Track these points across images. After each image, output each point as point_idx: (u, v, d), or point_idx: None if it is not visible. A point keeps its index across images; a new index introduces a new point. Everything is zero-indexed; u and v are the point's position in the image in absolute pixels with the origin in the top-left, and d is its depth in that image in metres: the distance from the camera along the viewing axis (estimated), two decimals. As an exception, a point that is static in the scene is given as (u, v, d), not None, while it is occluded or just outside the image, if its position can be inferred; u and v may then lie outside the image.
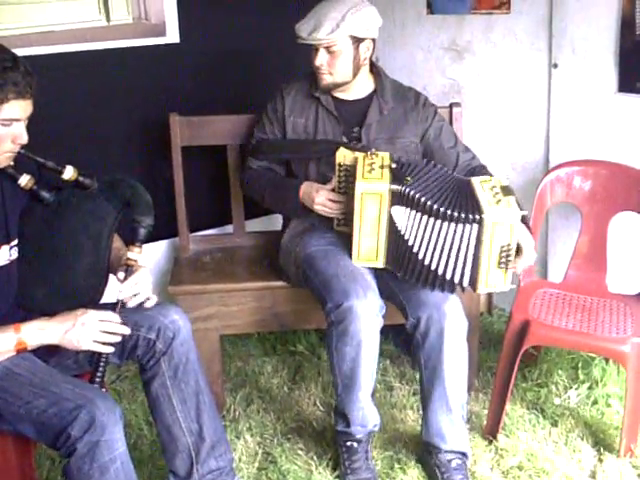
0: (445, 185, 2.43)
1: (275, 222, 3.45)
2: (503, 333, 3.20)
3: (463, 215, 2.31)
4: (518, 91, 3.25)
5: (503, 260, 2.34)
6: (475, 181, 2.42)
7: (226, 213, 3.21)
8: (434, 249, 2.37)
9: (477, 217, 2.29)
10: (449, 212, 2.32)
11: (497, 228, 2.30)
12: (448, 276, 2.38)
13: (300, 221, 2.72)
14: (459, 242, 2.34)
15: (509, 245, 2.33)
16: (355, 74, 2.61)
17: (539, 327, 2.56)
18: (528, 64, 3.18)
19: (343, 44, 2.53)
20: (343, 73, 2.59)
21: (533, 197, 2.83)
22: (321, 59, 2.56)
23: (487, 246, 2.32)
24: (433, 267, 2.39)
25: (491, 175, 2.52)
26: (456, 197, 2.36)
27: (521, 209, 2.33)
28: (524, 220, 2.41)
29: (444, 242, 2.35)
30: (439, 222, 2.34)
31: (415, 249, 2.39)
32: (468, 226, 2.31)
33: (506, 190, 2.36)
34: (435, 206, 2.32)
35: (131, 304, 2.09)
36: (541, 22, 3.10)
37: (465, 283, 2.39)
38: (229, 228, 3.29)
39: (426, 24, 3.53)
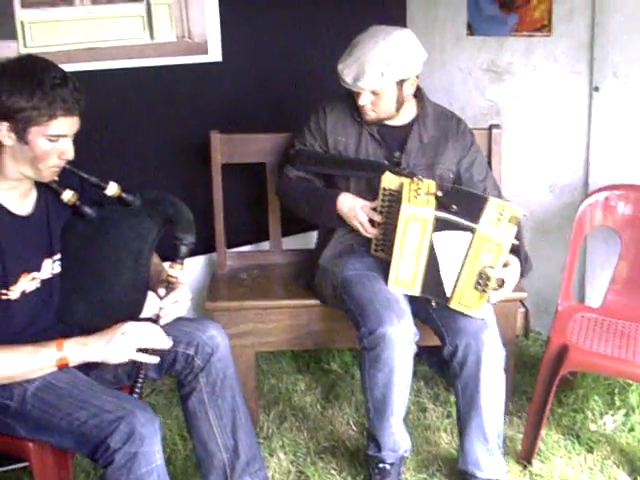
0: (473, 203, 2.43)
1: (311, 240, 3.46)
2: (538, 357, 3.21)
3: (464, 222, 2.32)
4: (558, 114, 3.24)
5: (481, 282, 2.35)
6: (492, 200, 2.42)
7: (263, 230, 3.23)
8: (445, 259, 2.39)
9: (472, 226, 2.31)
10: (460, 221, 2.33)
11: (485, 245, 2.31)
12: (444, 284, 2.40)
13: (338, 242, 2.71)
14: (457, 249, 2.35)
15: (491, 268, 2.33)
16: (398, 109, 2.61)
17: (578, 352, 2.53)
18: (568, 87, 3.18)
19: (387, 88, 2.51)
20: (386, 110, 2.58)
21: (570, 220, 2.82)
22: (365, 100, 2.54)
23: (470, 260, 2.34)
24: (442, 276, 2.41)
25: (508, 202, 2.49)
26: (468, 207, 2.37)
27: (520, 242, 2.35)
28: (520, 256, 2.40)
29: (452, 250, 2.37)
30: (455, 232, 2.36)
31: (440, 269, 2.41)
32: (462, 233, 2.33)
33: (513, 219, 2.36)
34: (467, 223, 2.33)
35: (164, 320, 2.10)
36: (582, 45, 3.09)
37: (447, 293, 2.41)
38: (265, 245, 3.31)
39: (466, 45, 3.54)
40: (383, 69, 2.46)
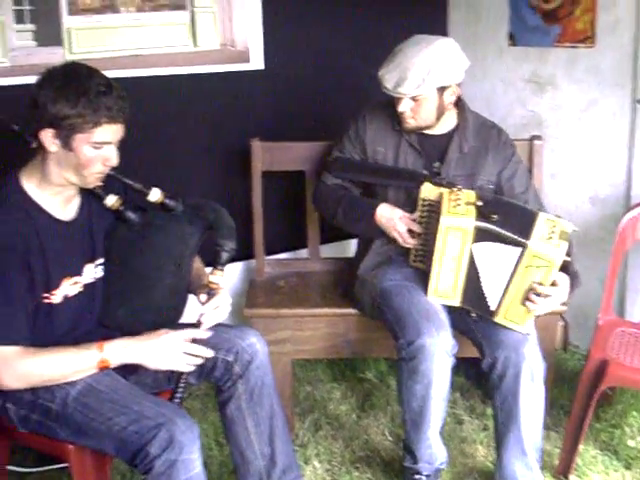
0: (519, 216, 2.42)
1: (349, 248, 3.48)
2: (576, 370, 3.19)
3: (513, 236, 2.30)
4: (600, 125, 3.21)
5: (531, 298, 2.32)
6: (542, 215, 2.40)
7: (301, 237, 3.24)
8: (491, 272, 2.37)
9: (522, 241, 2.29)
10: (513, 237, 2.31)
11: (536, 261, 2.29)
12: (488, 297, 2.39)
13: (377, 252, 2.70)
14: (504, 263, 2.34)
15: (541, 285, 2.31)
16: (439, 118, 2.59)
17: (617, 368, 2.50)
18: (611, 99, 3.15)
19: (428, 94, 2.50)
20: (427, 118, 2.57)
21: (612, 232, 2.79)
22: (405, 106, 2.53)
23: (520, 275, 2.32)
24: (484, 289, 2.40)
25: (558, 217, 2.46)
26: (517, 222, 2.35)
27: (570, 259, 2.32)
28: (569, 272, 2.38)
29: (497, 263, 2.35)
30: (500, 245, 2.34)
31: (482, 280, 2.40)
32: (513, 248, 2.31)
33: (564, 235, 2.33)
34: (511, 236, 2.32)
35: (205, 326, 2.12)
36: (625, 57, 3.06)
37: (492, 307, 2.39)
38: (303, 252, 3.31)
39: (508, 56, 3.52)
40: (424, 75, 2.45)
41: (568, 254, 2.32)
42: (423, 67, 2.45)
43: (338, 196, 2.72)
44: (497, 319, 2.41)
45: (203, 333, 2.08)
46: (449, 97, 2.56)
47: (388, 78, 2.50)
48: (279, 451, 2.23)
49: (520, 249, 2.30)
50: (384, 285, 2.58)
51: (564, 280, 2.38)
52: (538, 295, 2.32)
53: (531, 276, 2.31)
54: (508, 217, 2.38)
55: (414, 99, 2.51)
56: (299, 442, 2.84)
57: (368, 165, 2.72)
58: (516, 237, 2.31)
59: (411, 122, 2.59)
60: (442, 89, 2.52)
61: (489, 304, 2.40)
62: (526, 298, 2.34)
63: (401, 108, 2.54)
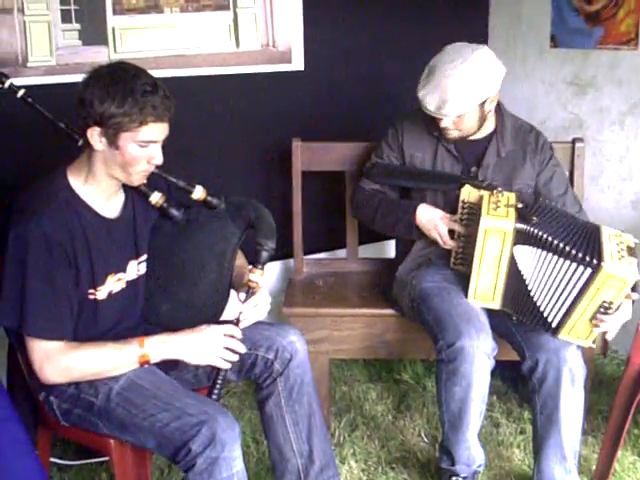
0: (571, 226, 2.39)
1: (388, 249, 3.48)
2: (615, 376, 3.16)
3: (581, 255, 2.27)
4: (642, 129, 3.19)
5: (598, 316, 2.30)
6: (605, 230, 2.37)
7: (339, 237, 3.24)
8: (545, 284, 2.35)
9: (595, 262, 2.25)
10: (568, 249, 2.28)
11: (609, 281, 2.25)
12: (545, 313, 2.36)
13: (417, 254, 2.70)
14: (567, 280, 2.31)
15: (611, 304, 2.28)
16: (480, 127, 2.59)
17: (658, 373, 2.48)
18: (654, 102, 3.12)
19: (470, 110, 2.49)
20: (469, 129, 2.56)
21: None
22: (447, 123, 2.52)
23: (591, 295, 2.28)
24: (539, 302, 2.37)
25: (622, 232, 2.43)
26: (580, 238, 2.33)
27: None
28: (636, 288, 2.35)
29: (555, 278, 2.33)
30: (556, 258, 2.31)
31: (530, 286, 2.37)
32: (582, 267, 2.27)
33: (631, 251, 2.31)
34: (559, 244, 2.29)
35: (244, 324, 2.13)
36: (670, 60, 3.04)
37: (554, 324, 2.36)
38: (341, 252, 3.32)
39: (549, 58, 3.50)
40: (465, 95, 2.44)
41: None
42: (462, 87, 2.43)
43: (376, 200, 2.73)
44: (561, 335, 2.37)
45: (240, 332, 2.09)
46: (489, 106, 2.55)
47: (429, 101, 2.48)
48: (317, 449, 2.24)
49: (591, 269, 2.26)
50: (423, 286, 2.57)
51: (634, 297, 2.36)
52: (607, 314, 2.30)
53: (602, 295, 2.28)
54: (557, 225, 2.36)
55: (457, 115, 2.50)
56: (335, 441, 2.85)
57: (407, 169, 2.72)
58: (587, 257, 2.26)
59: (454, 134, 2.58)
60: (483, 102, 2.51)
61: (548, 320, 2.37)
62: (594, 317, 2.31)
63: (444, 124, 2.53)
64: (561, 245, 2.29)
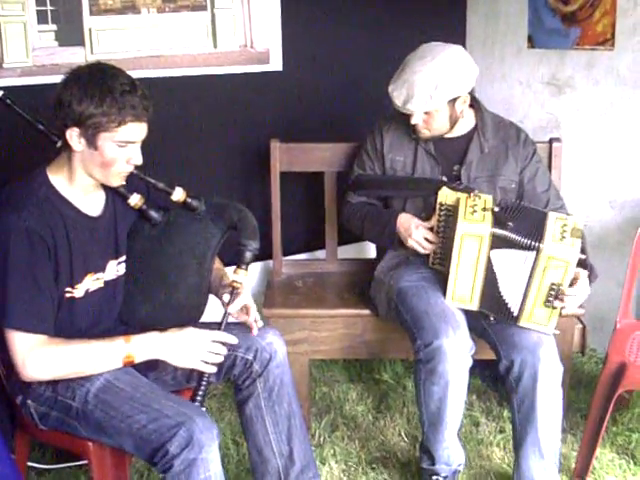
0: (533, 219, 2.42)
1: (366, 249, 3.49)
2: (594, 374, 3.18)
3: (526, 242, 2.31)
4: (619, 128, 3.20)
5: (551, 299, 2.33)
6: (551, 215, 2.40)
7: (319, 238, 3.24)
8: (509, 278, 2.38)
9: (535, 245, 2.29)
10: (526, 241, 2.32)
11: (551, 262, 2.29)
12: (509, 303, 2.40)
13: (395, 254, 2.72)
14: (520, 268, 2.34)
15: (560, 285, 2.31)
16: (452, 126, 2.60)
17: (636, 371, 2.49)
18: (630, 102, 3.14)
19: (438, 108, 2.50)
20: (440, 128, 2.57)
21: (631, 236, 2.77)
22: (417, 119, 2.53)
23: (538, 278, 2.33)
24: (504, 295, 2.40)
25: (568, 215, 2.45)
26: (533, 227, 2.35)
27: (585, 255, 2.32)
28: (585, 267, 2.38)
29: (514, 269, 2.36)
30: (520, 252, 2.34)
31: (499, 284, 2.40)
32: (527, 252, 2.31)
33: (575, 232, 2.33)
34: (525, 241, 2.32)
35: (242, 319, 2.15)
36: (645, 60, 3.06)
37: (515, 312, 2.39)
38: (321, 253, 3.32)
39: (526, 58, 3.52)
40: (431, 92, 2.44)
41: (582, 250, 2.32)
42: (429, 83, 2.44)
43: (362, 214, 2.75)
44: (521, 323, 2.40)
45: (231, 337, 2.08)
46: (460, 106, 2.56)
47: (397, 95, 2.51)
48: (297, 450, 2.24)
49: (534, 253, 2.30)
50: (401, 286, 2.58)
51: (583, 275, 2.38)
52: (560, 298, 2.32)
53: (549, 278, 2.32)
54: (522, 221, 2.38)
55: (425, 112, 2.51)
56: (315, 442, 2.85)
57: (386, 178, 2.73)
58: (530, 241, 2.31)
59: (425, 132, 2.60)
60: (452, 100, 2.52)
61: (511, 309, 2.41)
62: (548, 300, 2.34)
63: (413, 121, 2.55)
64: (526, 241, 2.32)
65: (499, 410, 3.03)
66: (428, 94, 2.45)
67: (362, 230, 2.75)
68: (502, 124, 2.72)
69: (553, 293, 2.33)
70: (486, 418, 3.00)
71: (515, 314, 2.40)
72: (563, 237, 2.30)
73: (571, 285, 2.34)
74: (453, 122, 2.59)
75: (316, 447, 2.81)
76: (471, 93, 2.61)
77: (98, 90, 1.90)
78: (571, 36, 3.30)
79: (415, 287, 2.56)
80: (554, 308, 2.35)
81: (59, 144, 2.02)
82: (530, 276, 2.34)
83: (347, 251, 3.39)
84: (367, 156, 2.77)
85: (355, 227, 2.79)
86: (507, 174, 2.65)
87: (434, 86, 2.44)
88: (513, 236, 2.33)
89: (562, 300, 2.33)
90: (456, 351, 2.33)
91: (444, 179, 2.63)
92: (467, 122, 2.66)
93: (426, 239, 2.56)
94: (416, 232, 2.57)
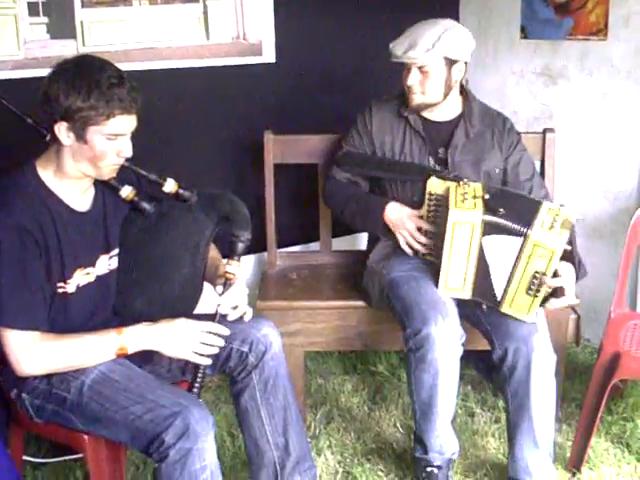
0: (524, 206, 2.42)
1: (361, 241, 3.48)
2: (588, 364, 3.19)
3: (514, 227, 2.31)
4: (612, 119, 3.21)
5: (533, 287, 2.33)
6: (545, 204, 2.40)
7: (313, 230, 3.24)
8: (498, 263, 2.38)
9: (523, 230, 2.30)
10: (517, 227, 2.32)
11: (537, 250, 2.29)
12: (495, 287, 2.40)
13: (387, 243, 2.71)
14: (507, 253, 2.34)
15: (543, 274, 2.31)
16: (446, 95, 2.60)
17: (630, 360, 2.50)
18: (623, 92, 3.14)
19: (436, 65, 2.52)
20: (434, 93, 2.58)
21: (624, 226, 2.78)
22: (413, 79, 2.55)
23: (523, 264, 2.32)
24: (493, 280, 2.40)
25: (561, 206, 2.44)
26: (521, 212, 2.36)
27: (572, 247, 2.32)
28: (572, 261, 2.38)
29: (502, 254, 2.36)
30: (510, 238, 2.34)
31: (490, 270, 2.40)
32: (515, 237, 2.32)
33: (565, 223, 2.33)
34: (516, 227, 2.32)
35: (231, 317, 2.14)
36: (638, 50, 3.06)
37: (498, 297, 2.40)
38: (315, 245, 3.32)
39: (519, 49, 3.52)
40: (434, 41, 2.49)
41: (570, 243, 2.32)
42: (433, 34, 2.50)
43: (347, 193, 2.74)
44: (503, 309, 2.41)
45: (222, 329, 2.08)
46: (457, 73, 2.58)
47: (398, 47, 2.54)
48: (293, 442, 2.24)
49: (521, 238, 2.31)
50: (392, 276, 2.58)
51: (570, 270, 2.38)
52: (541, 284, 2.32)
53: (533, 265, 2.32)
54: (513, 208, 2.38)
55: (422, 70, 2.53)
56: (311, 434, 2.85)
57: (377, 160, 2.73)
58: (518, 227, 2.31)
59: (418, 98, 2.60)
60: (450, 63, 2.54)
61: (496, 294, 2.41)
62: (530, 287, 2.34)
63: (410, 81, 2.56)
64: (517, 227, 2.32)
65: (494, 400, 3.04)
66: (431, 42, 2.49)
67: (344, 210, 2.73)
68: (489, 112, 2.74)
69: (536, 282, 2.32)
70: (481, 409, 3.01)
71: (498, 299, 2.41)
72: (552, 227, 2.30)
73: (554, 277, 2.34)
74: (447, 90, 2.59)
75: (312, 439, 2.81)
76: (461, 82, 2.65)
77: (85, 83, 1.88)
78: (564, 26, 3.30)
79: (406, 277, 2.56)
80: (535, 297, 2.35)
81: (48, 138, 2.00)
82: (515, 261, 2.34)
83: (341, 243, 3.39)
84: (357, 133, 2.76)
85: (336, 205, 2.78)
86: (492, 160, 2.66)
87: (437, 37, 2.49)
88: (504, 222, 2.33)
89: (542, 290, 2.33)
90: (445, 339, 2.33)
91: (431, 161, 2.64)
92: (455, 108, 2.68)
93: (419, 229, 2.56)
94: (408, 221, 2.57)
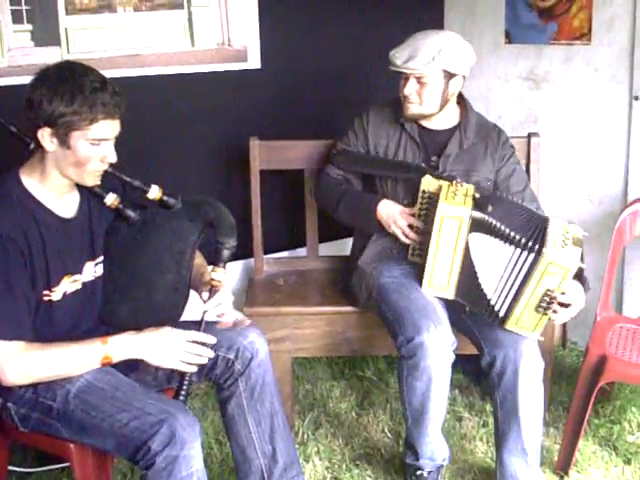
0: (522, 216, 2.42)
1: (348, 246, 3.45)
2: (575, 367, 3.20)
3: (524, 241, 2.30)
4: (597, 123, 3.22)
5: (543, 305, 2.32)
6: (553, 221, 2.40)
7: (299, 236, 3.24)
8: (491, 272, 2.37)
9: (537, 248, 2.28)
10: (517, 237, 2.31)
11: (551, 268, 2.27)
12: (493, 302, 2.39)
13: (377, 244, 2.71)
14: (512, 267, 2.33)
15: (554, 292, 2.30)
16: (442, 107, 2.60)
17: (616, 363, 2.51)
18: (608, 96, 3.16)
19: (435, 76, 2.52)
20: (430, 104, 2.58)
21: (609, 230, 2.79)
22: (410, 88, 2.55)
23: (534, 282, 2.30)
24: (486, 291, 2.39)
25: (571, 224, 2.46)
26: (529, 227, 2.35)
27: (583, 263, 2.31)
28: (581, 278, 2.37)
29: (501, 265, 2.35)
30: (503, 245, 2.34)
31: (478, 275, 2.39)
32: (525, 253, 2.30)
33: (577, 241, 2.33)
34: (510, 232, 2.32)
35: (222, 325, 2.14)
36: (622, 54, 3.07)
37: (501, 313, 2.38)
38: (302, 251, 3.32)
39: (504, 53, 3.53)
40: (435, 54, 2.49)
41: (581, 259, 2.32)
42: (434, 46, 2.50)
43: (340, 190, 2.74)
44: (508, 326, 2.39)
45: (208, 337, 2.07)
46: (454, 86, 2.59)
47: (398, 56, 2.54)
48: (280, 449, 2.23)
49: (533, 255, 2.28)
50: (382, 281, 2.58)
51: (578, 288, 2.37)
52: (552, 301, 2.31)
53: (545, 283, 2.30)
54: (512, 216, 2.38)
55: (420, 81, 2.53)
56: (299, 440, 2.85)
57: (371, 157, 2.74)
58: (510, 233, 2.30)
59: (413, 108, 2.60)
60: (449, 76, 2.55)
61: (496, 310, 2.39)
62: (540, 305, 2.33)
63: (407, 90, 2.56)
64: (512, 234, 2.31)
65: (482, 404, 3.04)
66: (431, 55, 2.49)
67: (337, 207, 2.73)
68: (485, 125, 2.75)
69: (546, 299, 2.31)
70: (469, 413, 3.01)
71: (502, 315, 2.39)
72: (565, 244, 2.28)
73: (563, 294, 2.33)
74: (443, 103, 2.60)
75: (300, 445, 2.80)
76: (460, 92, 2.67)
77: (68, 89, 1.88)
78: (548, 31, 3.32)
79: (396, 284, 2.56)
80: (544, 315, 2.34)
81: (32, 146, 2.00)
82: (525, 280, 2.31)
83: (328, 248, 3.39)
84: (353, 133, 2.77)
85: (329, 202, 2.78)
86: (482, 172, 2.66)
87: (438, 50, 2.50)
88: (493, 221, 2.33)
89: (553, 310, 2.32)
90: (438, 346, 2.33)
91: (426, 166, 2.64)
92: (452, 117, 2.69)
93: (410, 226, 2.57)
94: (400, 218, 2.58)
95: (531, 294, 2.32)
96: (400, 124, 2.68)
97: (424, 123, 2.68)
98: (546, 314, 2.34)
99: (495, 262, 2.36)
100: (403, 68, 2.53)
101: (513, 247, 2.32)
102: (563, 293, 2.31)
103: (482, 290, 2.40)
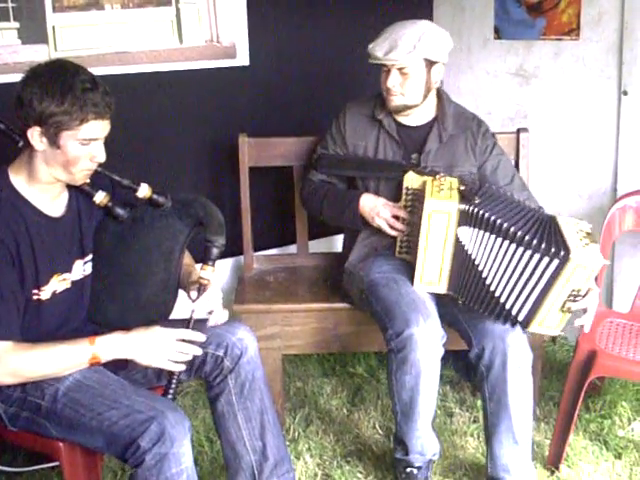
0: (522, 212, 2.41)
1: (338, 243, 3.48)
2: (565, 362, 3.21)
3: (545, 246, 2.26)
4: (586, 118, 3.23)
5: (568, 304, 2.31)
6: (560, 219, 2.39)
7: (289, 233, 3.24)
8: (503, 275, 2.35)
9: (562, 254, 2.24)
10: (528, 238, 2.28)
11: (578, 271, 2.25)
12: (508, 306, 2.36)
13: (363, 244, 2.71)
14: (531, 273, 2.30)
15: (580, 291, 2.29)
16: (425, 96, 2.60)
17: (606, 358, 2.52)
18: (597, 91, 3.16)
19: (417, 66, 2.52)
20: (414, 95, 2.58)
21: (599, 225, 2.79)
22: (393, 80, 2.55)
23: (560, 286, 2.28)
24: (497, 294, 2.37)
25: (581, 220, 2.46)
26: (538, 226, 2.34)
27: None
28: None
29: (515, 269, 2.32)
30: (514, 246, 2.31)
31: (484, 274, 2.37)
32: (547, 259, 2.26)
33: (591, 237, 2.32)
34: (511, 228, 2.30)
35: (211, 322, 2.13)
36: (611, 49, 3.08)
37: (520, 317, 2.36)
38: (292, 248, 3.32)
39: (493, 49, 3.53)
40: (415, 42, 2.49)
41: None
42: (414, 36, 2.50)
43: (323, 191, 2.75)
44: (531, 329, 2.38)
45: (196, 335, 2.05)
46: (436, 75, 2.58)
47: (378, 48, 2.53)
48: (270, 445, 2.23)
49: (557, 261, 2.24)
50: (371, 277, 2.58)
51: (595, 287, 2.36)
52: (576, 300, 2.30)
53: (571, 284, 2.27)
54: (504, 208, 2.37)
55: (402, 72, 2.53)
56: (290, 437, 2.84)
57: (351, 159, 2.73)
58: (545, 245, 2.25)
59: (397, 100, 2.59)
60: (430, 64, 2.54)
61: (513, 313, 2.36)
62: (565, 305, 2.31)
63: (390, 82, 2.55)
64: (518, 232, 2.29)
65: (472, 400, 3.05)
66: (412, 44, 2.49)
67: (321, 208, 2.74)
68: (464, 115, 2.73)
69: (572, 299, 2.30)
70: (460, 408, 3.01)
71: (521, 319, 2.36)
72: (586, 243, 2.27)
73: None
74: (426, 91, 2.59)
75: (291, 442, 2.80)
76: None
77: (59, 88, 1.87)
78: (537, 27, 3.32)
79: (385, 278, 2.56)
80: (568, 312, 2.33)
81: (21, 144, 1.99)
82: (549, 284, 2.28)
83: (318, 245, 3.39)
84: (331, 138, 2.77)
85: (314, 205, 2.78)
86: (465, 165, 2.66)
87: (417, 38, 2.49)
88: (487, 215, 2.31)
89: (574, 306, 2.31)
90: (427, 340, 2.33)
91: (408, 163, 2.64)
92: (429, 111, 2.68)
93: (394, 217, 2.57)
94: (383, 210, 2.58)
95: (557, 296, 2.30)
96: (378, 122, 2.67)
97: (402, 120, 2.67)
98: (570, 312, 2.32)
99: (506, 264, 2.33)
100: (385, 60, 2.52)
101: (528, 250, 2.29)
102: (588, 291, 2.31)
103: (493, 292, 2.38)
